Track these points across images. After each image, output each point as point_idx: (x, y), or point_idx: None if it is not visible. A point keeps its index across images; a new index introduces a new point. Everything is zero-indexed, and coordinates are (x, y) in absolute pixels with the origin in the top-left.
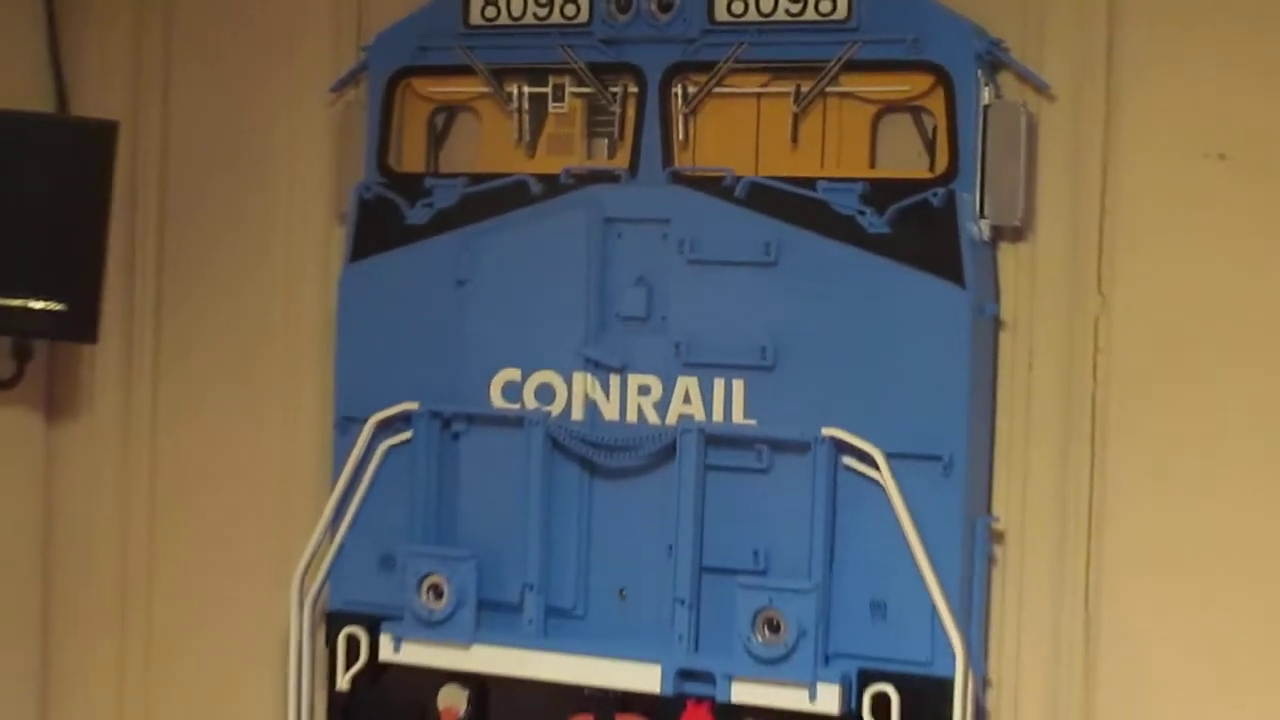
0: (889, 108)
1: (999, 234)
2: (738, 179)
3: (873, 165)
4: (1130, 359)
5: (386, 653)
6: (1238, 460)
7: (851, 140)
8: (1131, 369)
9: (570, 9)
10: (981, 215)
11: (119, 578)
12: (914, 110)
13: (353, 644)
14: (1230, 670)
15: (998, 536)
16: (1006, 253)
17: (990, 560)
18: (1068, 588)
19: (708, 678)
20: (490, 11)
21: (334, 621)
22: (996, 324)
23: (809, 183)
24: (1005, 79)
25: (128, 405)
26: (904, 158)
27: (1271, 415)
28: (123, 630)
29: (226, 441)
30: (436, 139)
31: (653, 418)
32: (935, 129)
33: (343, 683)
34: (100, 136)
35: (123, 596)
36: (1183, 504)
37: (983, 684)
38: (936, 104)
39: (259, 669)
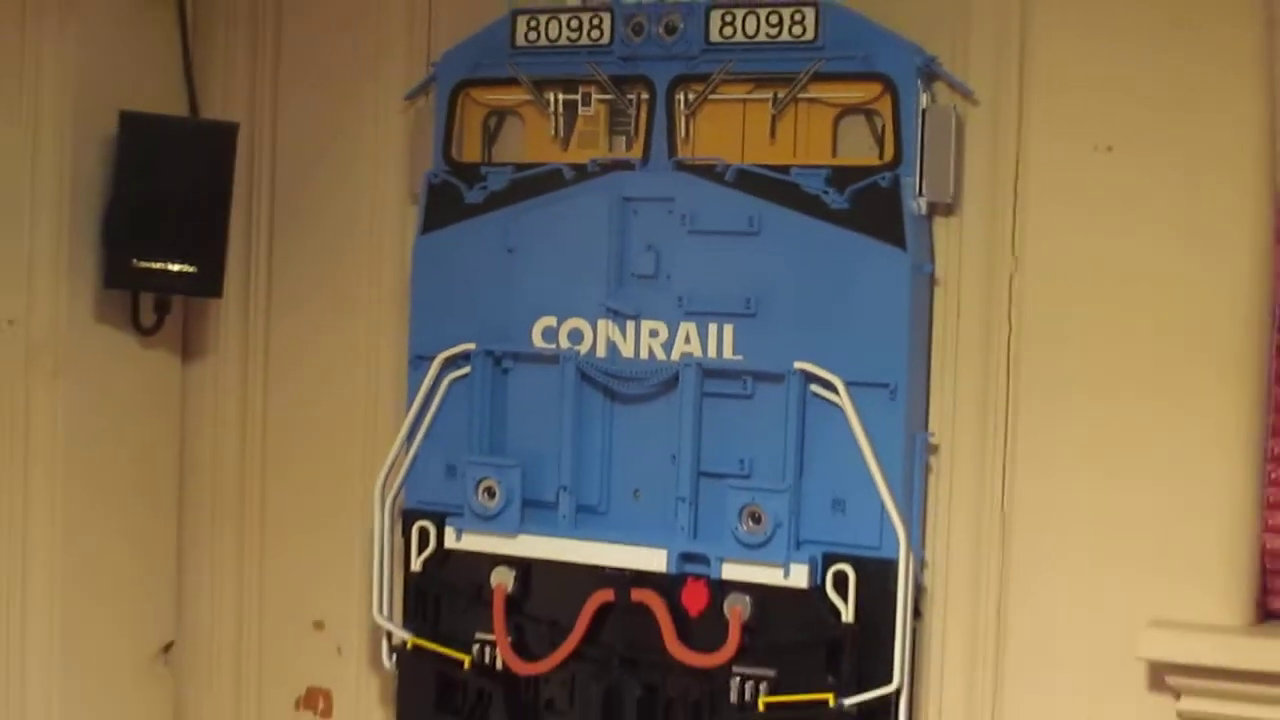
0: (847, 110)
1: (934, 209)
2: (727, 166)
3: (834, 155)
4: (1037, 307)
5: (450, 541)
6: (1123, 384)
7: (817, 136)
8: (1039, 315)
9: (595, 33)
10: (920, 194)
11: (238, 485)
12: (867, 112)
13: (423, 535)
14: (1119, 546)
15: (933, 449)
16: (939, 224)
17: (926, 467)
18: (987, 488)
19: (703, 559)
20: (532, 35)
21: (409, 517)
22: (931, 280)
23: (784, 169)
24: (939, 87)
25: (245, 349)
26: (859, 149)
27: (1143, 346)
28: (241, 525)
29: (324, 377)
30: (490, 136)
31: (660, 355)
32: (884, 126)
33: (416, 565)
34: (224, 135)
35: (241, 500)
36: (1080, 418)
37: (920, 564)
38: (885, 107)
39: (349, 556)
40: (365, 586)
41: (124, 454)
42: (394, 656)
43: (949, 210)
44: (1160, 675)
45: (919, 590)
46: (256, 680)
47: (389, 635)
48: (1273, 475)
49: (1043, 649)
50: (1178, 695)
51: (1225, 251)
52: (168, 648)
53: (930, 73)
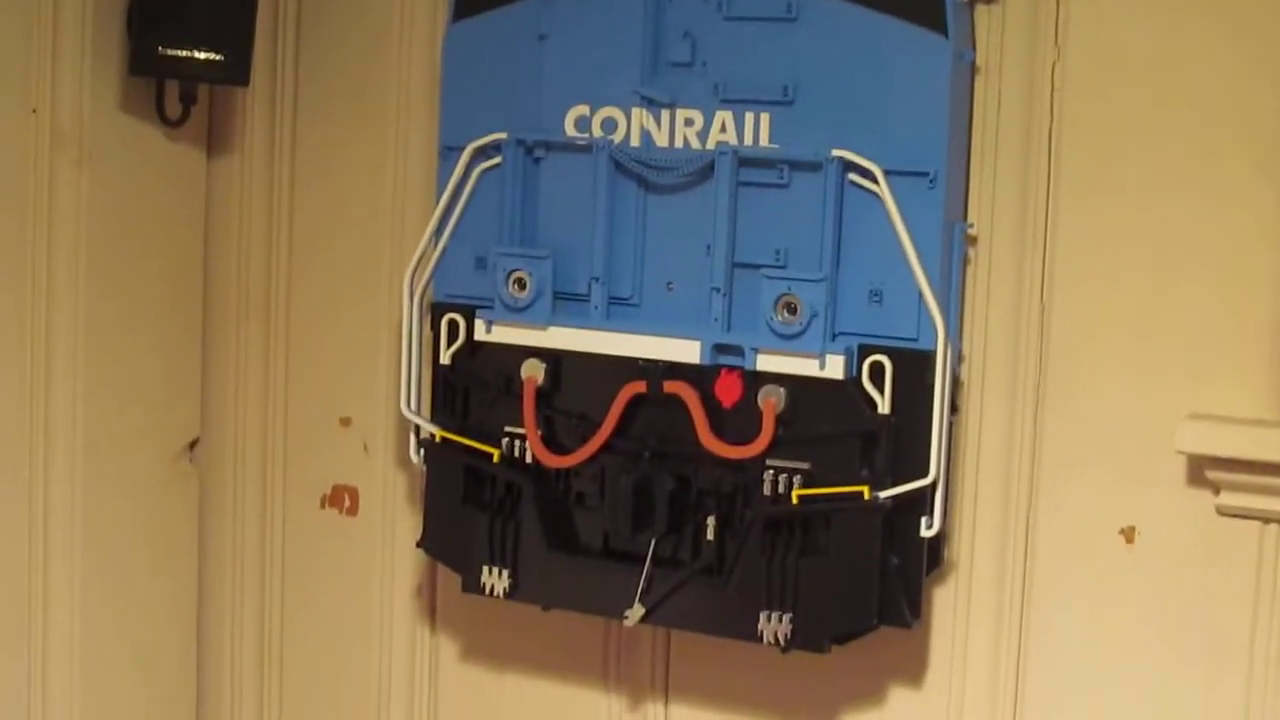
0: None
1: None
2: None
3: None
4: (1080, 98)
5: (480, 334)
6: (1165, 178)
7: None
8: (1081, 106)
9: None
10: None
11: (264, 280)
12: None
13: (453, 328)
14: (1159, 341)
15: (971, 240)
16: (981, 11)
17: (965, 259)
18: (1026, 280)
19: (737, 351)
20: None
21: (438, 310)
22: (972, 69)
23: None
24: None
25: (272, 139)
26: None
27: (1187, 140)
28: (267, 321)
29: (352, 170)
30: None
31: (695, 144)
32: None
33: (445, 358)
34: None
35: (267, 295)
36: (1121, 212)
37: (957, 356)
38: None
39: (376, 352)
40: (392, 383)
41: (148, 247)
42: (421, 451)
43: None
44: (1199, 469)
45: (955, 383)
46: (282, 478)
47: (416, 430)
48: None
49: (1080, 444)
50: (1217, 490)
51: (1272, 47)
52: (193, 445)
53: None
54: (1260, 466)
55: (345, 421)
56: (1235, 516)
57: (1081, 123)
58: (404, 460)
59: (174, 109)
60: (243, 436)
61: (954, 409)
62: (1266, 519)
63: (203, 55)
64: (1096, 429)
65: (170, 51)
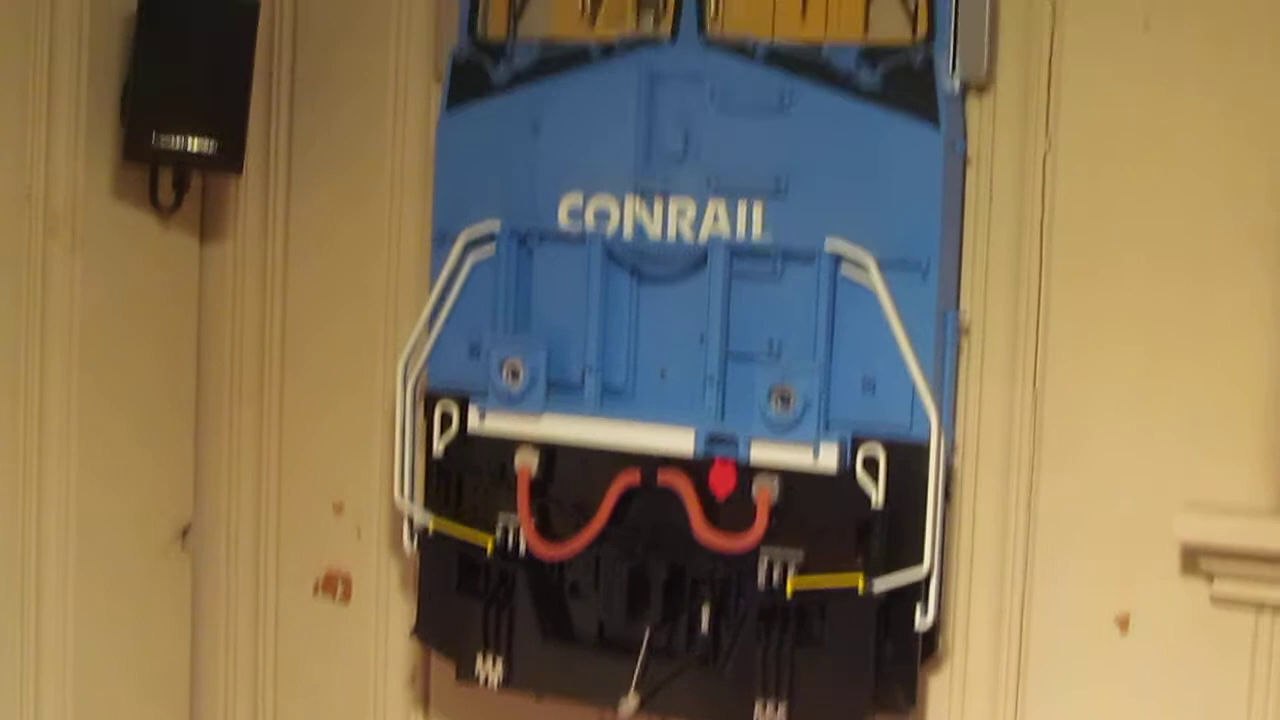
0: None
1: (967, 86)
2: (758, 43)
3: (866, 32)
4: (1072, 185)
5: (474, 423)
6: (1158, 261)
7: (849, 12)
8: (1073, 193)
9: None
10: (954, 71)
11: (257, 366)
12: None
13: (446, 417)
14: (1153, 426)
15: (964, 328)
16: (972, 102)
17: (957, 347)
18: (1019, 368)
19: (731, 441)
20: None
21: (431, 399)
22: (964, 160)
23: (816, 46)
24: None
25: (265, 227)
26: (891, 27)
27: (1180, 222)
28: (260, 406)
29: (345, 256)
30: (515, 12)
31: (688, 235)
32: (917, 2)
33: (438, 448)
34: (245, 11)
35: (260, 381)
36: (1113, 297)
37: (951, 445)
38: None
39: (370, 438)
40: (385, 469)
41: (141, 333)
42: (415, 540)
43: (982, 88)
44: (1194, 558)
45: (949, 472)
46: (275, 564)
47: (410, 518)
48: None
49: (1074, 531)
50: (1211, 579)
51: (1264, 125)
52: (185, 531)
53: None
54: (1257, 556)
55: (339, 507)
56: (1231, 605)
57: (1073, 210)
58: (397, 546)
59: (167, 195)
60: (235, 522)
61: (947, 497)
62: (1261, 607)
63: (197, 143)
64: (1090, 516)
65: (164, 138)
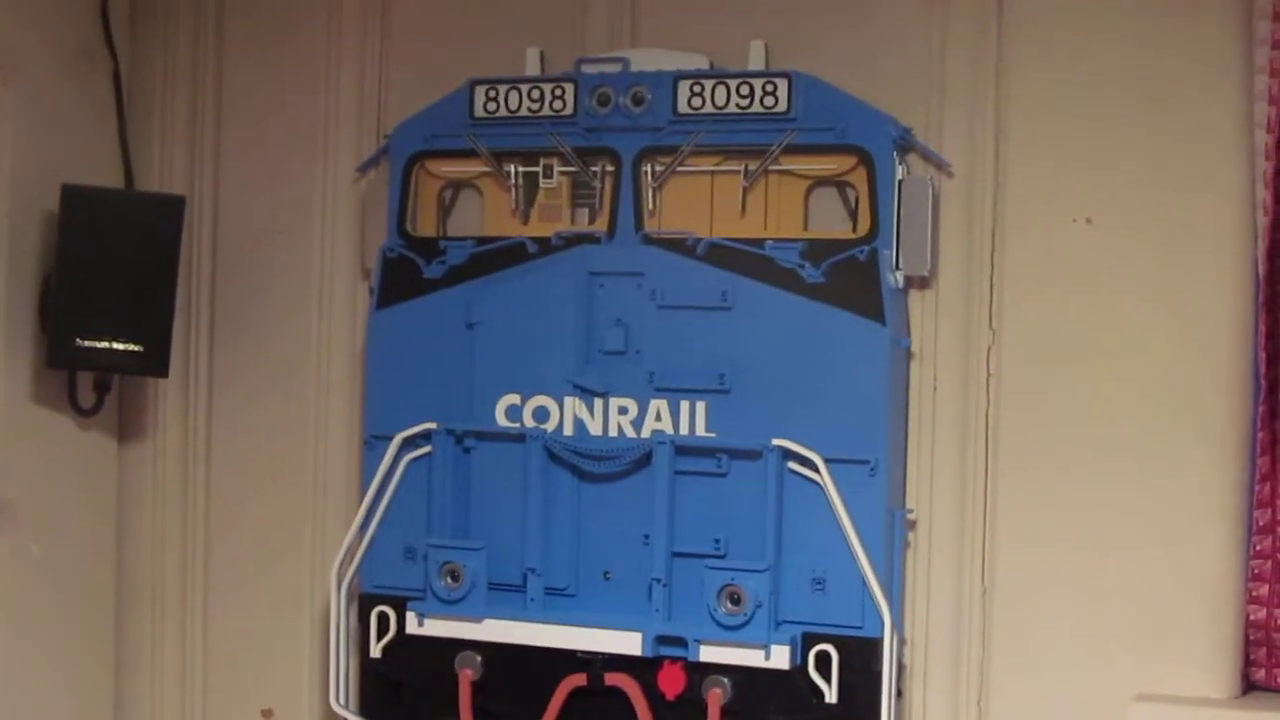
0: (818, 182)
1: (910, 283)
2: (698, 240)
3: (805, 228)
4: (1015, 380)
5: (412, 627)
6: (1104, 457)
7: (788, 208)
8: (1017, 389)
9: (557, 104)
10: (897, 268)
11: (180, 570)
12: (839, 184)
13: (383, 620)
14: (1102, 620)
15: (911, 525)
16: (915, 298)
17: (905, 543)
18: (967, 563)
19: (680, 642)
20: (492, 106)
21: (366, 602)
22: (909, 355)
23: (758, 243)
24: (913, 159)
25: (186, 428)
26: (829, 222)
27: (1125, 418)
28: (184, 612)
29: (271, 458)
30: (445, 209)
31: (630, 433)
32: (857, 199)
33: (375, 651)
34: (169, 208)
35: (184, 585)
36: (1060, 492)
37: (901, 641)
38: (859, 179)
39: (303, 643)
40: (317, 673)
41: (60, 540)
42: None
43: (925, 284)
44: None
45: (900, 668)
46: None
47: None
48: (1258, 547)
49: None
50: None
51: (1206, 322)
52: None
53: (905, 144)
54: None
55: (267, 714)
56: None
57: (1018, 403)
58: None
59: (88, 398)
60: None
61: (899, 693)
62: None
63: (121, 346)
64: (1042, 709)
65: (88, 343)
